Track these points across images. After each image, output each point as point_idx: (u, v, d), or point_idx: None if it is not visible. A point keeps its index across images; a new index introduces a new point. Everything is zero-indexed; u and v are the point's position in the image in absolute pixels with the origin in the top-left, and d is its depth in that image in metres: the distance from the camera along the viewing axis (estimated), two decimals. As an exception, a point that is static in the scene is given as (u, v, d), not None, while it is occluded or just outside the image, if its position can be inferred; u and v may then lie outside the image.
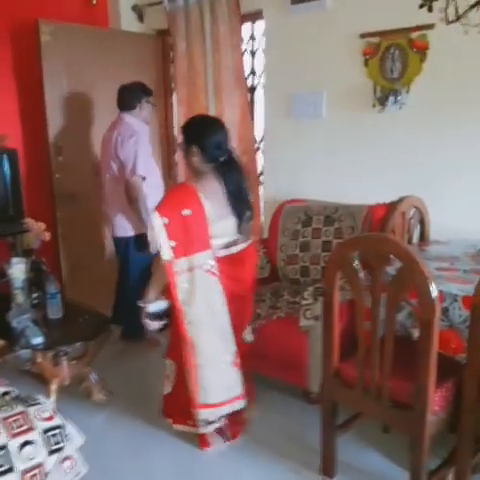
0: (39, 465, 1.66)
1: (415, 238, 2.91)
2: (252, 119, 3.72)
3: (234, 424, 2.48)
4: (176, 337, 2.32)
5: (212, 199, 2.21)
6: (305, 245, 3.08)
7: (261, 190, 3.83)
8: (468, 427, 1.88)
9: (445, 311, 1.91)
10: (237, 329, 2.35)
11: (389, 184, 3.06)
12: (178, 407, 2.44)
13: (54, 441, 1.73)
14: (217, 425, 2.40)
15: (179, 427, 2.49)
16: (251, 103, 3.82)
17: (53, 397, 2.61)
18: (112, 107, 3.84)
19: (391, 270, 2.01)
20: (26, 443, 1.66)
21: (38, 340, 2.58)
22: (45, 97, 3.57)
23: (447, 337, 1.91)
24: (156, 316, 2.37)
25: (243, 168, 2.40)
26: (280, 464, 2.32)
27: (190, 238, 2.16)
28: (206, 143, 2.27)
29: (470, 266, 2.20)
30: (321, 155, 3.40)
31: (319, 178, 3.41)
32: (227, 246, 2.31)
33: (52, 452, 1.71)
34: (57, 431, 1.75)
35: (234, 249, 2.32)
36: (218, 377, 2.31)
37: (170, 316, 2.33)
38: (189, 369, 2.26)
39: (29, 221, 3.11)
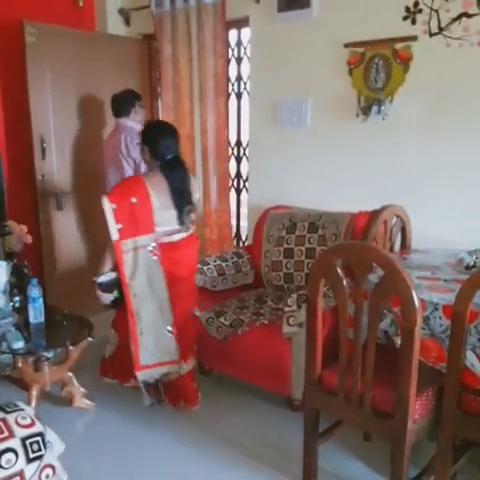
0: (18, 473, 1.63)
1: (396, 247, 2.94)
2: (227, 126, 3.75)
3: (173, 390, 2.79)
4: (120, 312, 2.74)
5: (158, 191, 2.58)
6: (289, 252, 3.10)
7: (246, 196, 3.86)
8: (447, 436, 1.90)
9: (426, 320, 1.94)
10: (177, 306, 2.68)
11: (372, 193, 3.09)
12: (124, 369, 2.78)
13: (34, 449, 1.70)
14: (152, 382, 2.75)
15: (128, 384, 2.83)
16: (238, 109, 3.84)
17: (34, 403, 2.58)
18: (96, 109, 3.87)
19: (373, 278, 2.04)
20: (5, 451, 1.63)
21: (19, 345, 2.55)
22: (29, 98, 3.54)
23: (428, 346, 1.93)
24: (106, 288, 2.68)
25: (186, 168, 2.75)
26: (261, 472, 2.32)
27: (136, 222, 2.52)
28: (154, 144, 2.65)
29: (451, 276, 2.23)
30: (306, 163, 3.42)
31: (304, 185, 3.44)
32: (169, 234, 2.63)
33: (32, 460, 1.68)
34: (37, 439, 1.72)
35: (175, 237, 2.65)
36: (156, 343, 2.67)
37: (121, 292, 2.65)
38: (133, 336, 2.62)
39: (11, 224, 3.07)
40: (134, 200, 2.51)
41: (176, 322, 2.69)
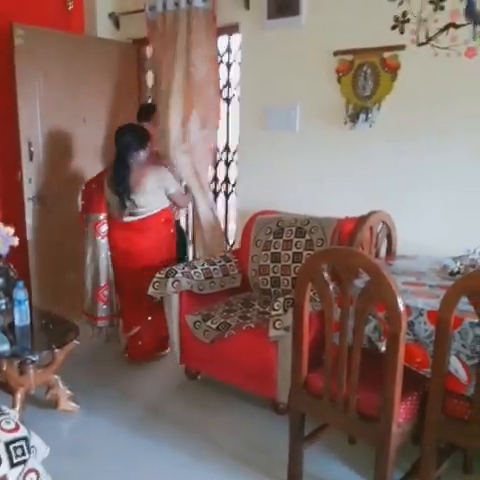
0: (1, 478, 1.62)
1: (382, 253, 2.97)
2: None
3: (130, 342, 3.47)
4: None
5: (109, 180, 3.28)
6: (276, 256, 3.11)
7: (235, 200, 3.88)
8: (431, 439, 1.92)
9: (411, 325, 1.96)
10: (121, 274, 3.40)
11: (358, 199, 3.12)
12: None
13: (18, 453, 1.68)
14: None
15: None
16: (227, 114, 3.85)
17: (18, 407, 2.56)
18: (85, 111, 3.87)
19: (359, 283, 2.06)
20: (-12, 455, 1.62)
21: (4, 347, 2.53)
22: (18, 101, 3.53)
23: (413, 351, 1.96)
24: None
25: (130, 164, 3.22)
26: (246, 474, 2.33)
27: (90, 202, 3.40)
28: (115, 140, 3.27)
29: (436, 282, 2.26)
30: (294, 168, 3.44)
31: (291, 190, 3.46)
32: (119, 216, 3.29)
33: (15, 465, 1.66)
34: (21, 443, 1.71)
35: (125, 219, 3.28)
36: (92, 300, 3.47)
37: None
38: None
39: (-2, 226, 3.05)
40: (94, 185, 3.40)
41: (113, 287, 3.45)
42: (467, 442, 1.91)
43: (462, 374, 1.87)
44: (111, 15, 4.14)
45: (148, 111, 3.81)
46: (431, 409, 1.90)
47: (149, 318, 3.40)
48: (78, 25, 4.06)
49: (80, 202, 3.48)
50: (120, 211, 3.25)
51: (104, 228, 3.37)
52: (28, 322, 2.74)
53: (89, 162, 4.02)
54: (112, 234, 3.36)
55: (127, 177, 3.20)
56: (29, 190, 3.69)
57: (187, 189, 3.76)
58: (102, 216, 3.36)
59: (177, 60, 3.52)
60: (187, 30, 3.48)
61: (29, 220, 3.70)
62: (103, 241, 3.38)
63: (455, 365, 1.87)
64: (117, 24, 4.17)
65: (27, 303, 2.74)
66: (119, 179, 3.20)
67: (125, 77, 4.17)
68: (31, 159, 3.65)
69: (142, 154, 3.26)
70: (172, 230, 3.47)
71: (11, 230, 2.99)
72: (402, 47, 2.87)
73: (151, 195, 3.23)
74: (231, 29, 3.61)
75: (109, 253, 3.40)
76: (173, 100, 3.56)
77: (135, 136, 3.25)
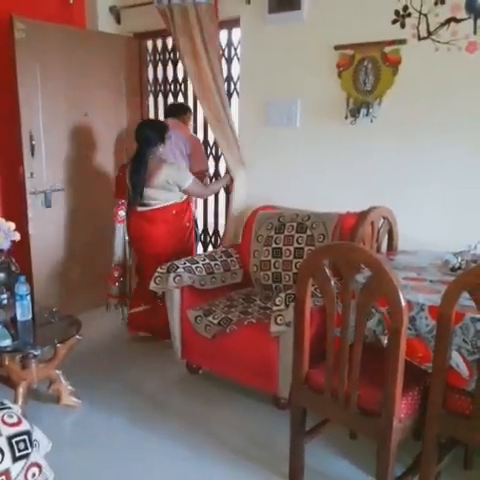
0: (4, 472, 1.63)
1: (383, 248, 2.97)
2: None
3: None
4: None
5: (129, 171, 3.42)
6: (277, 251, 3.11)
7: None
8: (432, 435, 1.93)
9: (412, 320, 1.96)
10: (138, 258, 3.62)
11: (359, 194, 3.12)
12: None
13: (20, 447, 1.69)
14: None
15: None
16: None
17: (20, 401, 2.57)
18: (86, 105, 3.86)
19: (361, 278, 2.06)
20: (-9, 449, 1.63)
21: (6, 342, 2.54)
22: (19, 95, 3.51)
23: (414, 346, 1.96)
24: None
25: (147, 158, 3.34)
26: (248, 469, 2.34)
27: (116, 188, 3.60)
28: (135, 135, 3.41)
29: (437, 277, 2.26)
30: (294, 163, 3.44)
31: (292, 185, 3.45)
32: (134, 205, 3.45)
33: (18, 459, 1.67)
34: (24, 437, 1.72)
35: (139, 208, 3.43)
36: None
37: None
38: None
39: (-1, 220, 3.05)
40: (120, 174, 3.55)
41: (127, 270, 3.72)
42: (468, 437, 1.92)
43: (463, 369, 1.87)
44: (112, 9, 4.12)
45: (176, 109, 4.04)
46: (432, 404, 1.90)
47: (159, 302, 3.41)
48: (79, 19, 4.04)
49: (113, 187, 3.71)
50: (134, 201, 3.43)
51: (122, 213, 3.58)
52: (30, 317, 2.75)
53: (91, 156, 4.02)
54: (129, 220, 3.56)
55: (142, 171, 3.33)
56: (31, 184, 3.68)
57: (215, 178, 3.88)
58: (121, 202, 3.57)
59: (199, 51, 3.46)
60: (197, 23, 3.45)
61: (31, 214, 3.70)
62: (119, 225, 3.62)
63: (456, 360, 1.88)
64: (118, 18, 4.16)
65: (29, 298, 2.74)
66: (134, 172, 3.37)
67: (127, 71, 4.17)
68: (32, 154, 3.65)
69: (161, 148, 3.39)
70: (188, 223, 3.58)
71: (12, 225, 2.99)
72: (403, 41, 2.86)
73: (162, 189, 3.35)
74: (232, 23, 3.59)
75: (126, 237, 3.63)
76: (207, 84, 3.51)
77: (153, 131, 3.38)
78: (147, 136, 3.34)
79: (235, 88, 3.78)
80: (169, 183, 3.33)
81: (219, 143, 3.67)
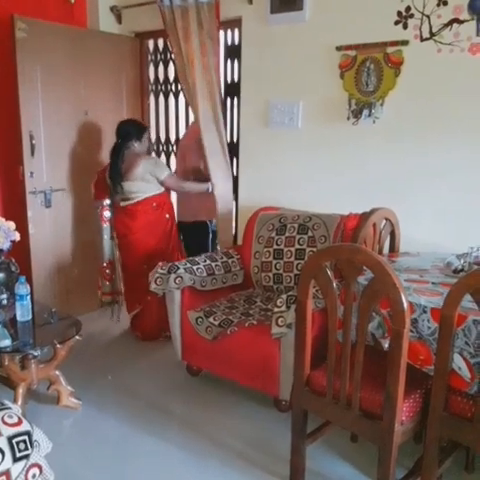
0: (4, 473, 1.62)
1: (385, 249, 2.96)
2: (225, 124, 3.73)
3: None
4: None
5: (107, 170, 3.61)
6: (279, 253, 3.11)
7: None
8: (434, 438, 1.92)
9: (414, 322, 1.95)
10: (120, 253, 3.72)
11: (361, 195, 3.11)
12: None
13: (20, 448, 1.69)
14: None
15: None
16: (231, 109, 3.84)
17: (20, 402, 2.56)
18: (87, 104, 3.85)
19: (363, 280, 2.05)
20: (-9, 450, 1.62)
21: (6, 342, 2.53)
22: (19, 94, 3.50)
23: (416, 348, 1.95)
24: None
25: (124, 153, 3.52)
26: (248, 472, 2.33)
27: (97, 190, 3.75)
28: (116, 130, 3.59)
29: (439, 279, 2.25)
30: (296, 164, 3.43)
31: (294, 186, 3.45)
32: (117, 201, 3.63)
33: (18, 459, 1.66)
34: (24, 437, 1.71)
35: (121, 204, 3.60)
36: (100, 277, 3.91)
37: None
38: None
39: (-1, 220, 3.04)
40: (101, 175, 3.70)
41: (116, 267, 3.82)
42: (470, 440, 1.90)
43: (465, 372, 1.86)
44: (113, 8, 4.12)
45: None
46: (434, 407, 1.89)
47: (148, 298, 3.52)
48: (80, 19, 4.03)
49: (92, 190, 3.78)
50: (115, 196, 3.60)
51: (107, 214, 3.73)
52: (30, 317, 2.74)
53: (91, 155, 4.01)
54: (114, 218, 3.70)
55: (119, 162, 3.51)
56: (31, 184, 3.67)
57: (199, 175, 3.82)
58: (105, 203, 3.70)
59: (195, 52, 3.48)
60: (197, 23, 3.45)
61: (31, 214, 3.69)
62: (105, 225, 3.76)
63: (458, 363, 1.87)
64: (119, 18, 4.15)
65: (29, 298, 2.73)
66: (112, 165, 3.54)
67: (128, 71, 4.16)
68: (32, 153, 3.64)
69: (137, 145, 3.58)
70: (167, 215, 3.69)
71: (13, 224, 2.98)
72: (406, 42, 2.86)
73: (140, 182, 3.51)
74: (233, 23, 3.59)
75: (113, 236, 3.76)
76: (199, 86, 3.52)
77: (131, 127, 3.60)
78: (125, 130, 3.56)
79: (236, 89, 3.77)
80: (147, 175, 3.49)
81: (205, 147, 3.62)
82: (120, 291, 3.86)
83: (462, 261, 2.34)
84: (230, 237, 3.84)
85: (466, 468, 2.30)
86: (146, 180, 3.51)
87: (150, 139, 3.94)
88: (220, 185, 3.69)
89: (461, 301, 1.75)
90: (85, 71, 3.86)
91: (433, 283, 2.20)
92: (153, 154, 4.37)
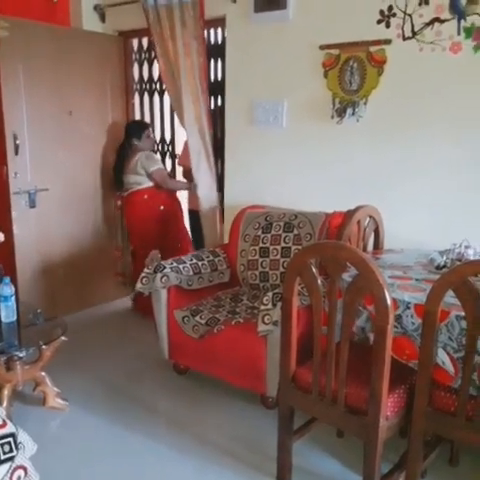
0: (-11, 475, 1.61)
1: (369, 246, 2.98)
2: (212, 123, 3.73)
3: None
4: None
5: None
6: (265, 251, 3.12)
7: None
8: (418, 432, 1.94)
9: (398, 318, 1.97)
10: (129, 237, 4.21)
11: (346, 193, 3.13)
12: None
13: (5, 450, 1.67)
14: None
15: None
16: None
17: (5, 403, 2.54)
18: (71, 104, 3.84)
19: (347, 277, 2.07)
20: (-24, 452, 1.61)
21: (-10, 344, 2.51)
22: (2, 94, 3.46)
23: (401, 343, 1.97)
24: None
25: (127, 149, 3.98)
26: (236, 469, 2.34)
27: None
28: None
29: (422, 275, 2.27)
30: (281, 162, 3.44)
31: (279, 185, 3.46)
32: (120, 191, 4.12)
33: (3, 461, 1.65)
34: (8, 439, 1.70)
35: (124, 194, 4.06)
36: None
37: None
38: None
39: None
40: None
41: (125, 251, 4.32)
42: (453, 434, 1.93)
43: (449, 366, 1.89)
44: (96, 7, 4.10)
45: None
46: (418, 401, 1.91)
47: None
48: (63, 17, 4.00)
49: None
50: (117, 186, 4.09)
51: (118, 203, 4.22)
52: (15, 318, 2.71)
53: (75, 155, 3.99)
54: (121, 207, 4.20)
55: (121, 157, 4.00)
56: (15, 184, 3.64)
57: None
58: (118, 193, 4.18)
59: (179, 51, 3.51)
60: (181, 23, 3.45)
61: (15, 215, 3.66)
62: (116, 213, 4.28)
63: (442, 357, 1.89)
64: (103, 16, 4.13)
65: (14, 299, 2.71)
66: (116, 160, 4.03)
67: (112, 70, 4.14)
68: (16, 153, 3.60)
69: (137, 142, 3.93)
70: (162, 207, 4.01)
71: (-4, 226, 2.96)
72: (388, 41, 2.88)
73: (135, 175, 3.91)
74: (217, 22, 3.59)
75: (122, 223, 4.25)
76: (183, 85, 3.56)
77: (132, 127, 4.03)
78: (128, 129, 4.01)
79: (221, 88, 3.77)
80: (139, 168, 3.87)
81: (189, 147, 3.72)
82: (127, 273, 4.31)
83: (445, 257, 2.37)
84: (216, 236, 3.85)
85: (450, 461, 2.33)
86: (139, 173, 3.88)
87: (151, 136, 4.06)
88: (202, 185, 3.74)
89: (444, 297, 1.78)
90: (69, 70, 3.83)
91: (416, 279, 2.22)
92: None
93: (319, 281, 1.98)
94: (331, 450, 2.46)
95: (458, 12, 2.66)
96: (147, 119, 4.41)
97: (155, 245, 3.83)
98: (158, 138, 4.37)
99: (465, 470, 2.32)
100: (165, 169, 4.11)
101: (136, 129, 3.98)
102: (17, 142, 3.59)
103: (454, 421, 1.86)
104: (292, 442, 2.23)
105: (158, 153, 4.35)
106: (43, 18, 3.76)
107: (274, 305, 2.51)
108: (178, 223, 4.15)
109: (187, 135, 3.71)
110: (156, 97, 4.35)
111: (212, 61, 3.80)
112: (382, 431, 1.90)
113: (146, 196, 3.95)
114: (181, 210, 4.21)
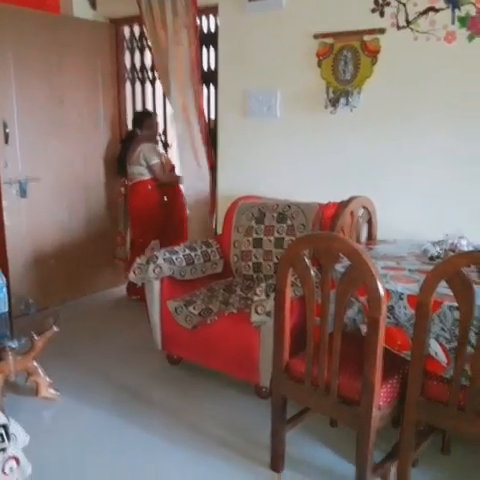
0: (-18, 466, 1.61)
1: (363, 237, 2.98)
2: (204, 113, 3.72)
3: None
4: None
5: None
6: (258, 241, 3.11)
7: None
8: (411, 422, 1.95)
9: (391, 309, 1.98)
10: (132, 233, 4.22)
11: (340, 183, 3.13)
12: None
13: (-2, 441, 1.68)
14: None
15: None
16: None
17: (-3, 394, 2.54)
18: (60, 93, 3.79)
19: (340, 268, 2.07)
20: (-32, 444, 1.61)
21: (-19, 335, 2.50)
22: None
23: (393, 334, 1.98)
24: None
25: (130, 140, 4.06)
26: (229, 458, 2.34)
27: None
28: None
29: (415, 266, 2.28)
30: (275, 153, 3.43)
31: (273, 175, 3.44)
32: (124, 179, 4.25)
33: (-4, 452, 1.66)
34: (0, 431, 1.70)
35: (129, 183, 4.15)
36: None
37: None
38: None
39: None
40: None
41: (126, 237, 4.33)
42: (445, 424, 1.94)
43: (442, 357, 1.90)
44: (87, -6, 4.05)
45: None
46: (411, 391, 1.92)
47: None
48: (53, 4, 3.93)
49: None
50: (122, 176, 4.19)
51: (122, 190, 4.32)
52: (6, 309, 2.71)
53: (67, 144, 3.95)
54: (125, 195, 4.27)
55: (126, 150, 4.06)
56: (5, 174, 3.60)
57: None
58: (122, 180, 4.27)
59: (169, 39, 3.49)
60: (173, 11, 3.42)
61: (6, 204, 3.62)
62: (119, 200, 4.36)
63: (434, 348, 1.90)
64: (94, 3, 4.08)
65: (5, 290, 2.70)
66: (121, 150, 4.14)
67: (103, 58, 4.10)
68: (7, 142, 3.57)
69: (139, 132, 4.04)
70: (165, 198, 4.17)
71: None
72: (382, 30, 2.86)
73: (138, 166, 3.98)
74: (210, 10, 3.55)
75: (126, 210, 4.29)
76: (170, 74, 3.57)
77: (136, 117, 4.16)
78: (133, 119, 4.16)
79: (213, 77, 3.74)
80: (141, 160, 3.94)
81: (177, 138, 3.76)
82: (126, 258, 4.36)
83: (438, 248, 2.38)
84: (205, 227, 3.84)
85: (442, 450, 2.35)
86: (141, 164, 3.97)
87: (153, 125, 4.10)
88: (188, 176, 3.77)
89: (437, 288, 1.78)
90: (59, 58, 3.79)
91: (410, 270, 2.23)
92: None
93: (312, 272, 1.98)
94: (324, 439, 2.47)
95: (452, 1, 2.64)
96: (139, 108, 4.38)
97: (155, 235, 4.02)
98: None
99: (457, 459, 2.34)
100: (162, 162, 4.08)
101: (138, 118, 4.07)
102: (7, 131, 3.55)
103: (446, 410, 1.87)
104: (285, 431, 2.24)
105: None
106: (32, 5, 3.70)
107: (267, 296, 2.51)
108: (180, 214, 4.18)
109: (174, 125, 3.75)
110: (148, 85, 4.31)
111: (205, 50, 3.76)
112: (375, 421, 1.91)
113: (150, 187, 4.05)
114: (184, 201, 4.12)
